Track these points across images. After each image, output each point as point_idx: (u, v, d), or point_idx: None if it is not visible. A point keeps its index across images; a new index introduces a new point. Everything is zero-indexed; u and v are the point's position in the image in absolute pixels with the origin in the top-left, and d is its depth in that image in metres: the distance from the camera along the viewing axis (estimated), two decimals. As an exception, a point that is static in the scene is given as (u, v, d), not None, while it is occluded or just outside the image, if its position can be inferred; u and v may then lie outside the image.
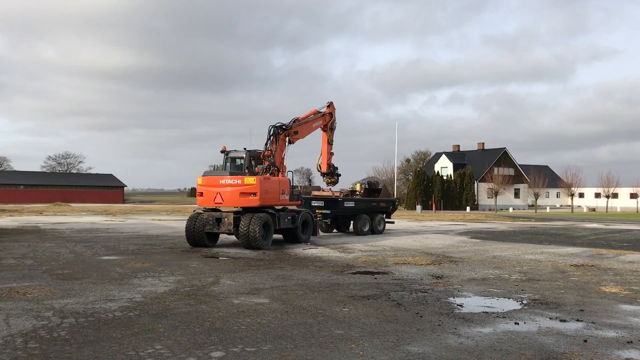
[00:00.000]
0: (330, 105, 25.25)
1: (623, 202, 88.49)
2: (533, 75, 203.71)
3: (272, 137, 20.90)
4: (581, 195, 78.28)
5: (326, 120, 24.91)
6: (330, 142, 25.33)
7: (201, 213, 19.45)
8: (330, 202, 24.12)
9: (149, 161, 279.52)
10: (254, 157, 20.51)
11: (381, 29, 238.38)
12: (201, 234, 19.10)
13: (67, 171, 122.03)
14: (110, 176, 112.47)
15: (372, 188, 27.72)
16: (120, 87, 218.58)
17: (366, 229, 25.38)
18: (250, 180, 18.69)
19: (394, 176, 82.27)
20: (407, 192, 77.32)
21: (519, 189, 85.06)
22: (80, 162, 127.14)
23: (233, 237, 21.70)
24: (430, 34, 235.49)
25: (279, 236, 21.59)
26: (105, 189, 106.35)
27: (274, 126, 21.00)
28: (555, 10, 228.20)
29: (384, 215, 26.80)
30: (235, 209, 19.93)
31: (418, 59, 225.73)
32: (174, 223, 33.57)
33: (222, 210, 19.64)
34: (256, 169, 19.81)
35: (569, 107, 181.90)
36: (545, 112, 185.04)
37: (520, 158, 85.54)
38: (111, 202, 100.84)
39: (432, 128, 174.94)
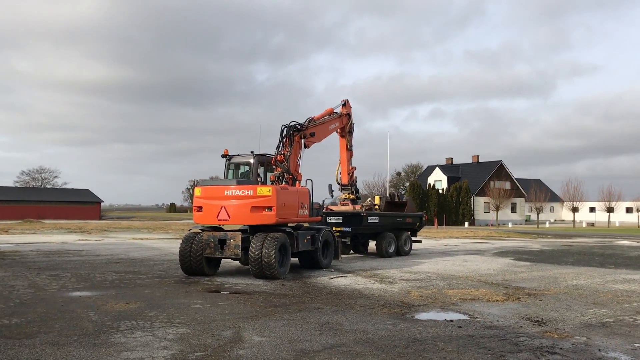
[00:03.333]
0: (346, 104, 21.46)
1: (620, 216, 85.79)
2: (514, 90, 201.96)
3: (285, 139, 16.99)
4: (575, 209, 75.33)
5: (343, 122, 21.10)
6: (349, 149, 21.50)
7: (199, 233, 15.40)
8: (351, 218, 20.13)
9: (127, 176, 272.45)
10: (264, 162, 16.58)
11: (365, 43, 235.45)
12: (199, 260, 15.05)
13: (42, 186, 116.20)
14: (86, 191, 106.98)
15: (394, 201, 23.81)
16: (98, 101, 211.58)
17: (392, 249, 21.42)
18: (265, 190, 14.72)
19: (385, 190, 78.63)
20: (402, 207, 73.60)
21: (515, 203, 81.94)
22: (55, 177, 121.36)
23: (235, 262, 17.71)
24: (413, 49, 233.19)
25: (294, 259, 17.58)
26: (81, 204, 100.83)
27: (287, 126, 17.11)
28: (538, 26, 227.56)
29: (409, 233, 22.91)
30: (243, 227, 15.95)
31: (401, 74, 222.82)
32: (159, 242, 29.32)
33: (226, 230, 15.63)
34: (271, 176, 15.85)
35: (548, 122, 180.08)
36: (525, 127, 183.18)
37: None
38: (87, 218, 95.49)
39: (413, 143, 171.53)
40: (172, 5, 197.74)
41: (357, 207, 21.17)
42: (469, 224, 71.56)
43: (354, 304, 11.27)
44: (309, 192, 16.70)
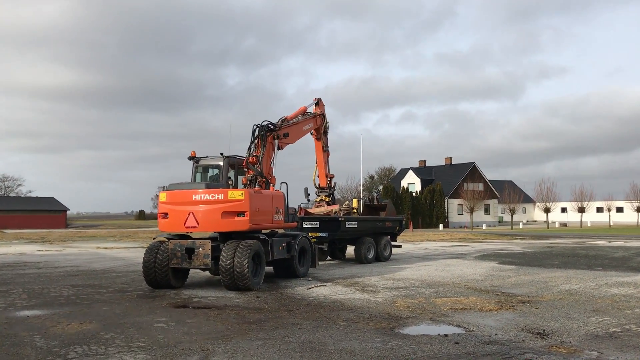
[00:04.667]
0: (319, 102, 20.43)
1: (591, 216, 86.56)
2: (484, 93, 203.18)
3: (257, 140, 15.86)
4: (548, 210, 75.53)
5: (318, 123, 20.08)
6: (325, 150, 20.49)
7: (165, 241, 14.15)
8: (328, 223, 19.02)
9: (95, 184, 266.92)
10: (234, 165, 15.41)
11: (337, 47, 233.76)
12: (165, 271, 13.79)
13: (5, 195, 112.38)
14: (51, 199, 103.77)
15: (373, 205, 22.76)
16: (63, 107, 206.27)
17: (371, 255, 20.36)
18: (237, 194, 13.56)
19: (359, 194, 77.88)
20: (376, 210, 72.78)
21: (488, 205, 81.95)
22: (19, 185, 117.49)
23: (205, 272, 16.50)
24: (385, 52, 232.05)
25: (268, 268, 16.43)
26: (46, 213, 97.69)
27: (260, 126, 15.98)
28: (508, 28, 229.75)
29: (389, 238, 21.91)
30: (213, 235, 14.77)
31: (372, 77, 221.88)
32: (124, 252, 27.82)
33: (195, 237, 14.42)
34: (243, 179, 14.68)
35: (517, 124, 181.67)
36: (495, 129, 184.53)
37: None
38: (53, 227, 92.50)
39: (385, 146, 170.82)
40: (139, 8, 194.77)
41: (332, 207, 20.12)
42: (443, 227, 71.21)
43: (336, 318, 10.20)
44: (284, 196, 15.58)
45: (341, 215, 19.52)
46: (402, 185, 79.08)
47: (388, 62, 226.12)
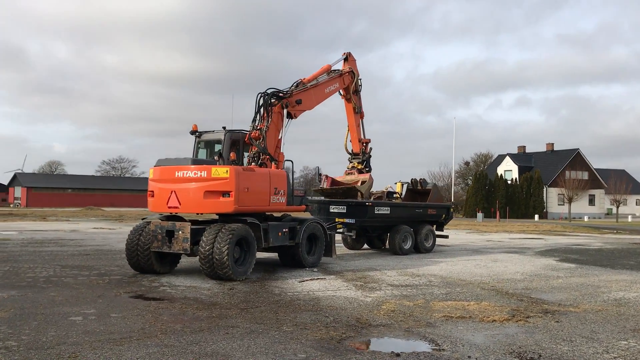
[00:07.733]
0: (347, 57, 18.09)
1: None
2: (608, 75, 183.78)
3: (262, 110, 14.16)
4: (665, 203, 67.85)
5: (346, 82, 17.79)
6: (357, 112, 18.35)
7: (150, 222, 12.88)
8: (355, 208, 16.88)
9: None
10: (238, 140, 13.84)
11: (450, 28, 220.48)
12: (147, 254, 12.51)
13: (122, 175, 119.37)
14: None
15: (416, 189, 20.33)
16: (181, 93, 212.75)
17: (407, 246, 18.03)
18: (221, 171, 11.97)
19: (451, 181, 74.27)
20: (467, 198, 68.90)
21: (593, 195, 75.16)
22: (134, 166, 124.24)
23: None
24: (501, 33, 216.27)
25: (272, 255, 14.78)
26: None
27: (264, 94, 14.25)
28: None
29: (434, 227, 19.45)
30: (200, 217, 13.33)
31: (485, 59, 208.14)
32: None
33: (189, 220, 13.03)
34: (231, 154, 13.04)
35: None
36: (619, 115, 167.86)
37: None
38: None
39: (496, 132, 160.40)
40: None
41: (362, 176, 17.94)
42: (540, 217, 66.01)
43: (288, 321, 8.35)
44: (287, 175, 13.76)
45: (370, 200, 17.37)
46: (497, 173, 74.28)
47: (503, 44, 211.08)
